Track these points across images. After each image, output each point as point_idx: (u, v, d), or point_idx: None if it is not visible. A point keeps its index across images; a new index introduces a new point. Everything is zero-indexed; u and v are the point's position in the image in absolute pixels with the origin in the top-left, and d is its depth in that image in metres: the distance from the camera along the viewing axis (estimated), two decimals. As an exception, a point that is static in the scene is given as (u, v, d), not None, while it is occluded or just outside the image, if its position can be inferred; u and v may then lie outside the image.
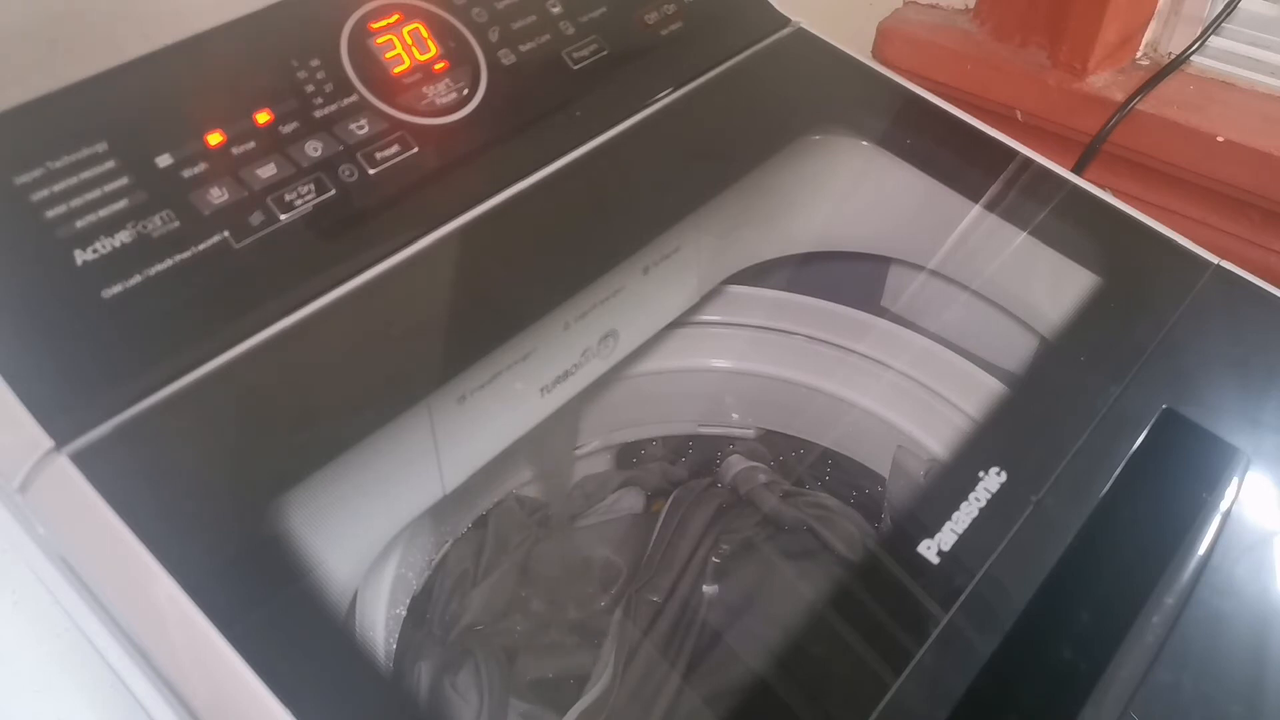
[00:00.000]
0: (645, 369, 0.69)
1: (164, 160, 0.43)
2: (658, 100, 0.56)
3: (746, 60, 0.60)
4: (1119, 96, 0.94)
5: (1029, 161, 0.58)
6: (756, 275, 0.68)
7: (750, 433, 0.75)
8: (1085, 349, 0.49)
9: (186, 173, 0.43)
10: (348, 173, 0.47)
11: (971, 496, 0.43)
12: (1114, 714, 0.38)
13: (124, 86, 0.44)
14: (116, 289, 0.41)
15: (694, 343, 0.70)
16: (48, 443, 0.37)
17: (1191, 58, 0.95)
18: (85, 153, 0.42)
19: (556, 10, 0.55)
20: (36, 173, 0.41)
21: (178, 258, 0.42)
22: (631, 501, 0.70)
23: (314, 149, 0.46)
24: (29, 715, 0.56)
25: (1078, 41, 0.95)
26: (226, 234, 0.43)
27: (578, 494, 0.71)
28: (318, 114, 0.47)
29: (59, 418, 0.38)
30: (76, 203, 0.41)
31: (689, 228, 0.56)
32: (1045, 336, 0.54)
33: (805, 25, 0.64)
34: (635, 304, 0.56)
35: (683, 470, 0.73)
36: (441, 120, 0.50)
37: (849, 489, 0.70)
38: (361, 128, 0.48)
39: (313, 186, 0.46)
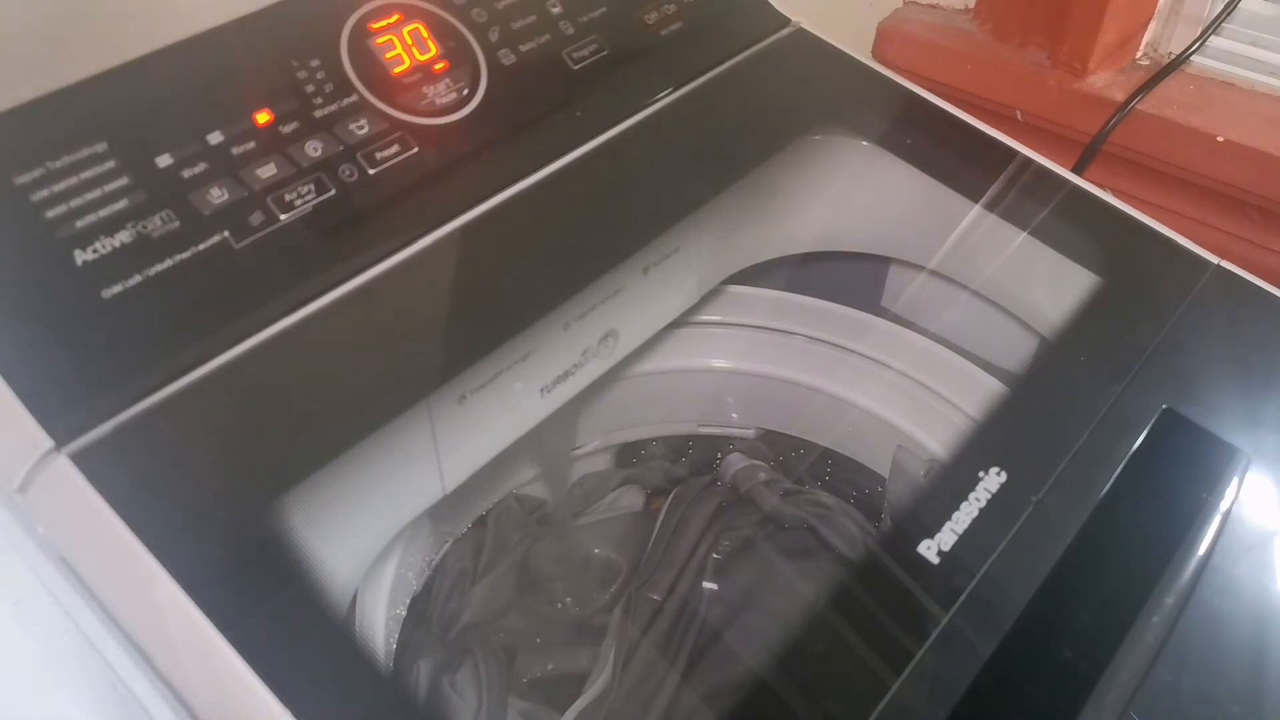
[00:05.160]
0: (645, 369, 0.69)
1: (164, 160, 0.43)
2: (658, 100, 0.56)
3: (746, 60, 0.60)
4: (1119, 96, 0.94)
5: (1029, 161, 0.58)
6: (756, 275, 0.68)
7: (750, 433, 0.75)
8: (1085, 349, 0.49)
9: (186, 173, 0.43)
10: (348, 173, 0.47)
11: (971, 496, 0.43)
12: (1114, 714, 0.38)
13: (124, 86, 0.44)
14: (116, 289, 0.41)
15: (694, 343, 0.70)
16: (48, 443, 0.37)
17: (1191, 58, 0.95)
18: (85, 153, 0.42)
19: (556, 10, 0.55)
20: (36, 173, 0.41)
21: (178, 258, 0.42)
22: (631, 499, 0.70)
23: (314, 149, 0.46)
24: (29, 716, 0.56)
25: (1078, 41, 0.95)
26: (226, 234, 0.43)
27: (577, 492, 0.71)
28: (318, 114, 0.47)
29: (59, 418, 0.38)
30: (76, 203, 0.41)
31: (689, 228, 0.56)
32: (1045, 336, 0.54)
33: (805, 25, 0.64)
34: (635, 304, 0.56)
35: (683, 469, 0.73)
36: (441, 120, 0.50)
37: (849, 489, 0.70)
38: (361, 128, 0.48)
39: (313, 186, 0.46)
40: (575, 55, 0.55)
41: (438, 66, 0.51)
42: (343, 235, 0.46)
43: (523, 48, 0.54)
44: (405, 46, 0.50)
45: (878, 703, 0.37)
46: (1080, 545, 0.42)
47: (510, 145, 0.51)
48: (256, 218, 0.44)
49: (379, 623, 0.54)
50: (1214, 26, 0.94)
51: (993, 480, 0.43)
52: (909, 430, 0.65)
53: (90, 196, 0.41)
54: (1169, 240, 0.54)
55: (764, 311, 0.70)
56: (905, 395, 0.66)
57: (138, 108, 0.44)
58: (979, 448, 0.46)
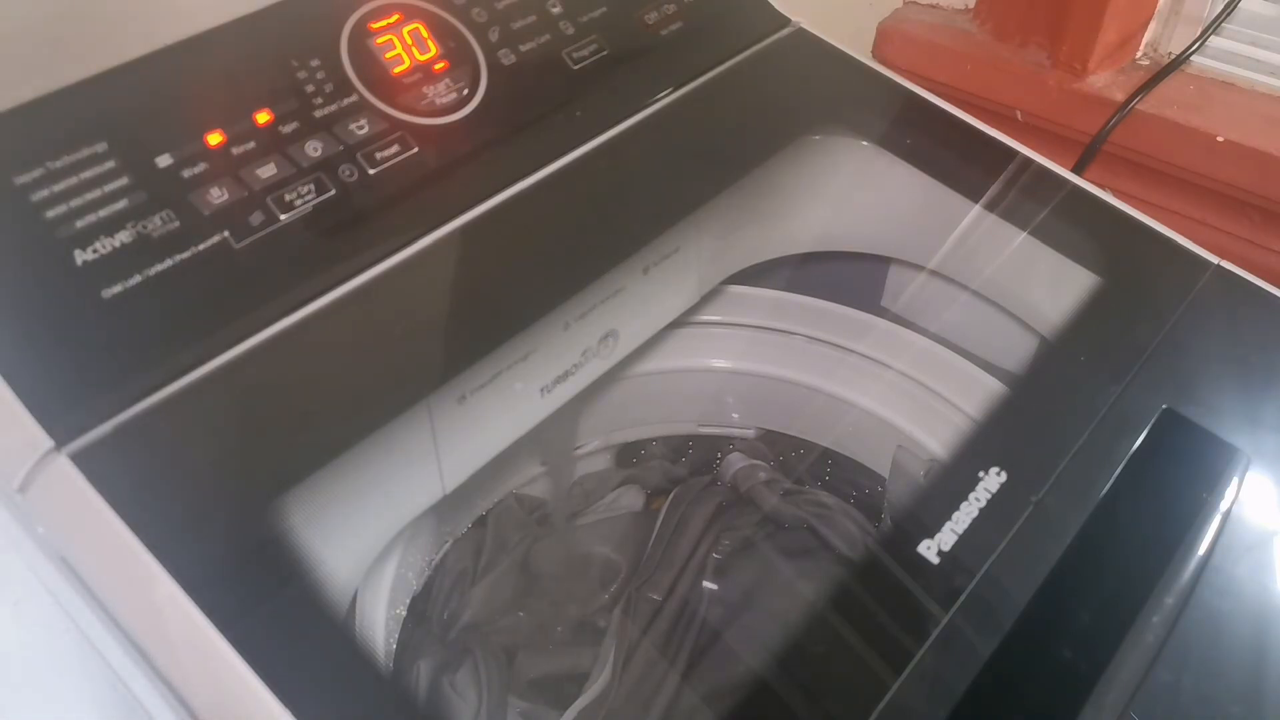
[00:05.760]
0: (645, 369, 0.69)
1: (164, 160, 0.43)
2: (658, 100, 0.56)
3: (746, 60, 0.60)
4: (1119, 96, 0.94)
5: (1029, 161, 0.58)
6: (756, 275, 0.68)
7: (750, 433, 0.75)
8: (1085, 349, 0.49)
9: (186, 173, 0.43)
10: (348, 173, 0.47)
11: (971, 496, 0.43)
12: (1114, 714, 0.38)
13: (124, 86, 0.44)
14: (116, 289, 0.41)
15: (694, 343, 0.70)
16: (48, 443, 0.37)
17: (1191, 58, 0.95)
18: (85, 153, 0.42)
19: (556, 10, 0.55)
20: (36, 173, 0.41)
21: (178, 258, 0.42)
22: (631, 499, 0.70)
23: (314, 149, 0.46)
24: (30, 716, 0.56)
25: (1078, 41, 0.95)
26: (226, 234, 0.43)
27: (577, 492, 0.71)
28: (318, 114, 0.47)
29: (59, 418, 0.38)
30: (76, 203, 0.41)
31: (689, 228, 0.56)
32: (1045, 336, 0.54)
33: (805, 25, 0.64)
34: (635, 304, 0.56)
35: (683, 469, 0.73)
36: (441, 120, 0.50)
37: (849, 489, 0.70)
38: (361, 128, 0.48)
39: (313, 186, 0.46)
40: (575, 55, 0.55)
41: (438, 66, 0.51)
42: (343, 235, 0.46)
43: (523, 48, 0.54)
44: (405, 46, 0.50)
45: (878, 703, 0.37)
46: (1080, 545, 0.42)
47: (510, 145, 0.51)
48: (256, 218, 0.44)
49: (379, 623, 0.54)
50: (1214, 26, 0.94)
51: (993, 480, 0.43)
52: (909, 430, 0.65)
53: (90, 196, 0.41)
54: (1169, 240, 0.54)
55: (764, 311, 0.70)
56: (905, 395, 0.66)
57: (138, 108, 0.44)
58: (979, 448, 0.46)
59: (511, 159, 0.51)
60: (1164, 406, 0.47)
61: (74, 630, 0.43)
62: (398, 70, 0.50)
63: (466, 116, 0.51)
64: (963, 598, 0.40)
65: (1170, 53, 1.00)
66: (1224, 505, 0.44)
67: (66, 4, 0.46)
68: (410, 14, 0.51)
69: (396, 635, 0.58)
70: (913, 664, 0.38)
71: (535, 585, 0.64)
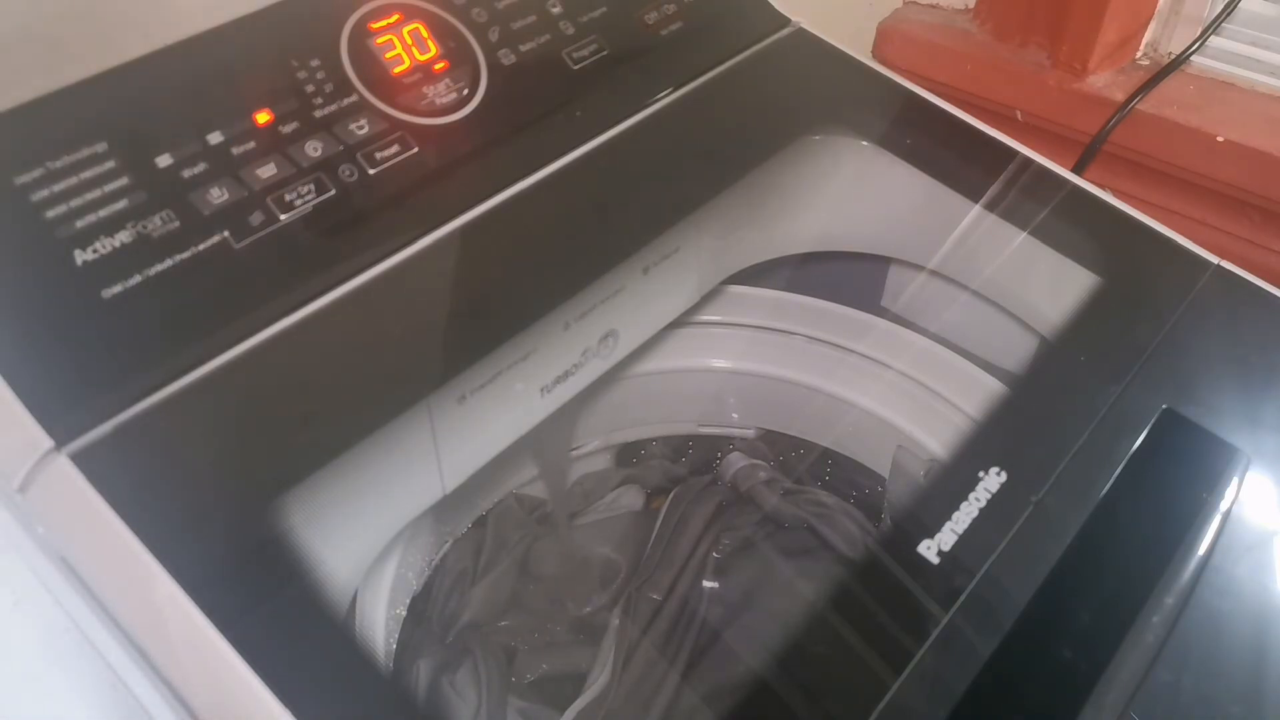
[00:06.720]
0: (645, 369, 0.69)
1: (164, 160, 0.43)
2: (658, 100, 0.56)
3: (746, 60, 0.60)
4: (1119, 96, 0.94)
5: (1029, 161, 0.58)
6: (756, 275, 0.68)
7: (750, 432, 0.75)
8: (1085, 349, 0.49)
9: (186, 173, 0.43)
10: (348, 173, 0.47)
11: (971, 496, 0.43)
12: (1114, 714, 0.38)
13: (124, 86, 0.44)
14: (116, 289, 0.41)
15: (694, 343, 0.70)
16: (48, 443, 0.37)
17: (1191, 58, 0.95)
18: (85, 153, 0.42)
19: (556, 10, 0.55)
20: (36, 173, 0.41)
21: (178, 258, 0.42)
22: (631, 499, 0.70)
23: (314, 149, 0.46)
24: (29, 715, 0.56)
25: (1078, 41, 0.95)
26: (226, 234, 0.43)
27: (577, 491, 0.71)
28: (318, 114, 0.47)
29: (59, 418, 0.38)
30: (76, 203, 0.41)
31: (689, 228, 0.56)
32: (1045, 336, 0.54)
33: (805, 25, 0.64)
34: (635, 304, 0.56)
35: (683, 469, 0.73)
36: (441, 120, 0.50)
37: (849, 489, 0.70)
38: (361, 128, 0.48)
39: (313, 186, 0.46)
40: (575, 55, 0.55)
41: (438, 66, 0.51)
42: (343, 235, 0.46)
43: (523, 48, 0.54)
44: (405, 46, 0.50)
45: (878, 703, 0.37)
46: (1080, 545, 0.42)
47: (510, 145, 0.51)
48: (256, 218, 0.44)
49: (379, 623, 0.54)
50: (1214, 26, 0.94)
51: (993, 480, 0.43)
52: (909, 430, 0.65)
53: (90, 196, 0.41)
54: (1169, 240, 0.54)
55: (764, 311, 0.70)
56: (905, 395, 0.66)
57: (138, 108, 0.44)
58: (979, 448, 0.46)
59: (511, 159, 0.51)
60: (1164, 406, 0.47)
61: (74, 630, 0.43)
62: (398, 70, 0.50)
63: (466, 116, 0.51)
64: (963, 598, 0.40)
65: (1170, 53, 1.00)
66: (1224, 505, 0.44)
67: (66, 4, 0.46)
68: (410, 14, 0.51)
69: (396, 635, 0.58)
70: (913, 664, 0.38)
71: (535, 585, 0.64)
